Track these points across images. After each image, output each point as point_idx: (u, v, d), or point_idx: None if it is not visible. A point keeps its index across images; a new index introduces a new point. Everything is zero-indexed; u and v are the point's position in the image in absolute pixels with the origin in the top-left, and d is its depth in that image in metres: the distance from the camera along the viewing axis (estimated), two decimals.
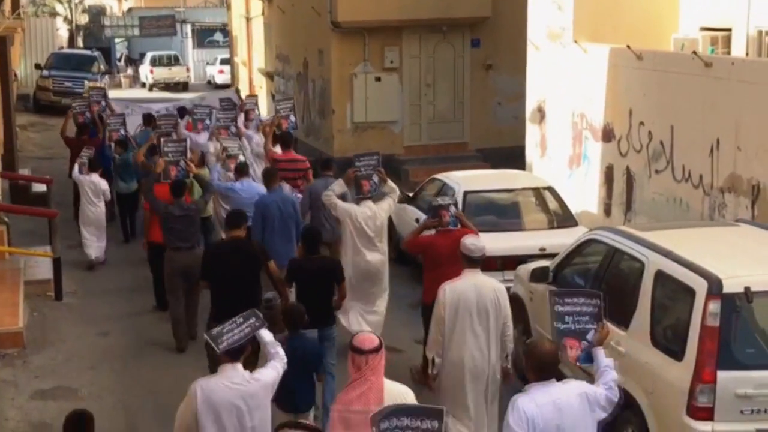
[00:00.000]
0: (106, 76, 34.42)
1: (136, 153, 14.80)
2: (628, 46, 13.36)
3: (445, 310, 7.98)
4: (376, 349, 6.01)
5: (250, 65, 30.87)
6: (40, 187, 17.69)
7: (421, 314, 9.61)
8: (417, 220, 13.20)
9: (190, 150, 12.70)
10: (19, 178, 18.36)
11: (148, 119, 16.90)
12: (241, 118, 15.89)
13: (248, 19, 30.85)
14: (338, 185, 10.64)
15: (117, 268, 14.54)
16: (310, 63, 22.84)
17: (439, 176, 13.84)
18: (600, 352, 6.34)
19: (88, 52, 40.78)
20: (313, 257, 9.08)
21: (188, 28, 52.25)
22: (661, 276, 7.85)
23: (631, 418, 7.67)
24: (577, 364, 6.59)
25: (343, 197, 10.64)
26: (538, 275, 9.70)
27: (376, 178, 10.63)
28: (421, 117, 21.38)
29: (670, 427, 7.33)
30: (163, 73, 45.20)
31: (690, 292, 7.41)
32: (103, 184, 14.58)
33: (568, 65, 15.17)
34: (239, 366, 6.37)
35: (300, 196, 12.15)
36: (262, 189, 11.90)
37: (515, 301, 10.06)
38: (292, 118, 15.44)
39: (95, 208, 14.47)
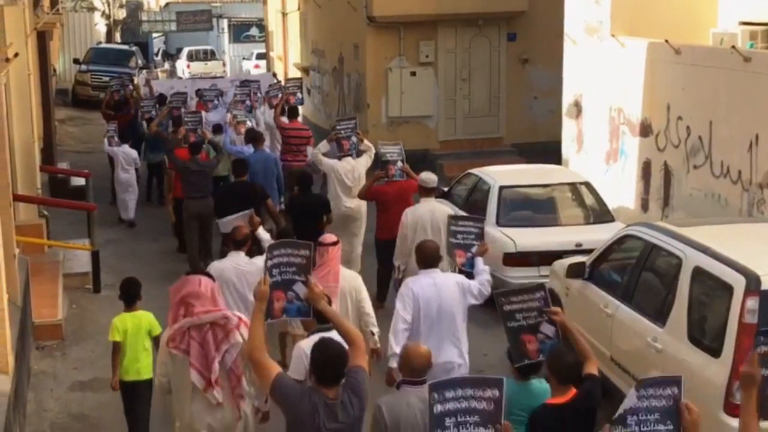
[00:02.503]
0: (144, 71, 34.44)
1: (151, 124, 17.29)
2: (666, 41, 13.23)
3: (407, 228, 10.38)
4: (334, 243, 8.38)
5: (286, 60, 30.88)
6: (78, 181, 17.77)
7: (375, 248, 11.83)
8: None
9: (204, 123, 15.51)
10: (58, 172, 18.61)
11: (162, 98, 19.08)
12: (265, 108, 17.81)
13: (284, 14, 30.91)
14: (323, 145, 12.91)
15: (153, 258, 14.74)
16: (346, 58, 22.84)
17: (475, 171, 13.78)
18: (479, 260, 8.39)
19: (125, 47, 40.99)
20: (306, 195, 11.70)
21: (224, 23, 52.35)
22: (698, 272, 7.79)
23: None
24: (463, 268, 8.44)
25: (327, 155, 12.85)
26: (574, 271, 9.66)
27: (354, 139, 12.75)
28: (456, 111, 21.29)
29: (707, 424, 7.14)
30: (199, 68, 45.38)
31: (728, 289, 7.34)
32: (134, 153, 17.09)
33: (605, 59, 15.07)
34: (242, 253, 8.86)
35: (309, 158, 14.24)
36: (267, 153, 14.48)
37: (551, 296, 10.10)
38: (299, 95, 17.82)
39: (128, 175, 16.81)
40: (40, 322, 11.20)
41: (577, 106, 16.04)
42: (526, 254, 11.67)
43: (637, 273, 8.76)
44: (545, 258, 11.27)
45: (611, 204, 13.30)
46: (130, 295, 8.29)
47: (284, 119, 16.09)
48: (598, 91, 15.31)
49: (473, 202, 13.08)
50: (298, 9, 28.25)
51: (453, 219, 8.92)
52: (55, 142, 20.03)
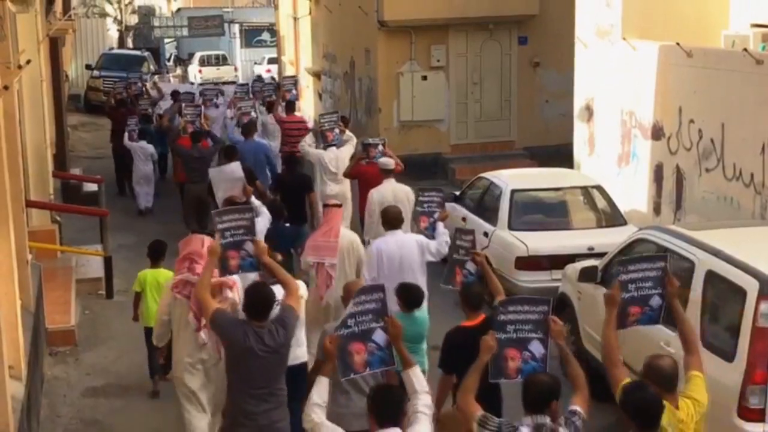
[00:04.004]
0: (156, 76, 34.51)
1: (163, 118, 19.05)
2: (678, 44, 13.20)
3: (374, 205, 11.53)
4: (337, 206, 9.91)
5: (298, 64, 30.94)
6: (91, 187, 17.89)
7: (360, 225, 12.53)
8: (464, 219, 13.26)
9: (205, 117, 17.22)
10: (70, 178, 18.65)
11: (175, 94, 21.12)
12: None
13: (295, 19, 30.96)
14: (310, 137, 14.67)
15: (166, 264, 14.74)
16: (357, 62, 22.89)
17: (486, 175, 13.78)
18: (439, 225, 9.73)
19: (137, 52, 41.09)
20: (292, 174, 13.60)
21: (236, 28, 52.45)
22: (711, 276, 7.76)
23: None
24: (425, 231, 9.69)
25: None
26: (586, 275, 9.64)
27: (337, 131, 14.42)
28: (467, 115, 21.33)
29: (720, 428, 7.21)
30: (211, 73, 45.50)
31: (741, 293, 7.31)
32: (150, 148, 18.40)
33: (616, 62, 15.03)
34: None
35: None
36: (257, 142, 15.87)
37: (563, 300, 10.06)
38: (294, 91, 19.90)
39: (145, 167, 18.19)
40: (53, 328, 11.24)
41: (589, 110, 16.00)
42: (537, 258, 11.64)
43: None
44: (557, 262, 11.26)
45: (623, 207, 13.27)
46: (156, 254, 9.94)
47: (282, 114, 17.58)
48: (609, 94, 15.28)
49: (485, 206, 13.08)
50: (310, 14, 28.34)
51: (420, 191, 10.36)
52: (67, 147, 20.22)
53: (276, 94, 19.28)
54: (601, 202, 12.88)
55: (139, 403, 9.89)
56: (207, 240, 7.87)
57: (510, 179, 13.12)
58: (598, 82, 15.63)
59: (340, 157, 14.16)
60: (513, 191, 12.58)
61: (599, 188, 13.04)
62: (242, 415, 6.68)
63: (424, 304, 8.25)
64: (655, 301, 6.48)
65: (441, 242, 9.42)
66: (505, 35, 21.10)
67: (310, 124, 19.59)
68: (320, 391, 5.69)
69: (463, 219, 13.48)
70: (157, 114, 20.11)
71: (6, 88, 8.22)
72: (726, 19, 15.12)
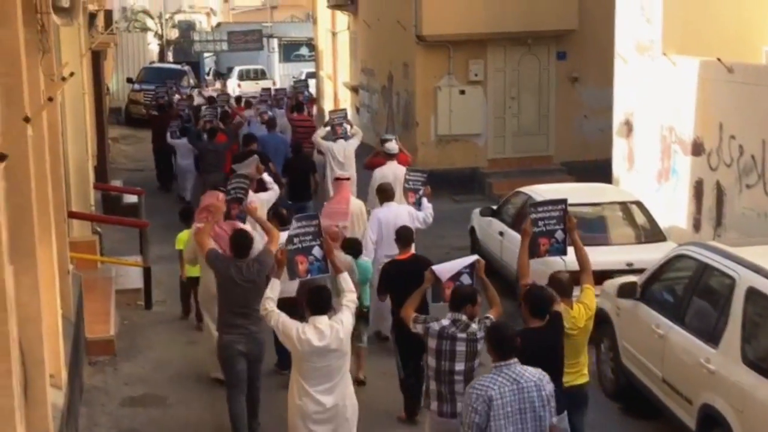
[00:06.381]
0: (196, 90, 34.81)
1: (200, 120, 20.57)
2: (719, 59, 13.08)
3: (376, 182, 13.12)
4: (347, 179, 12.64)
5: (336, 79, 31.09)
6: (131, 198, 18.12)
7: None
8: (501, 233, 13.25)
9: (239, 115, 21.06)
10: (111, 189, 18.78)
11: (211, 100, 24.69)
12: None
13: (334, 34, 31.10)
14: (322, 130, 16.87)
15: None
16: (395, 76, 22.96)
17: (524, 189, 13.74)
18: (424, 200, 11.96)
19: (178, 66, 41.49)
20: (298, 158, 16.30)
21: (275, 43, 52.78)
22: (752, 293, 7.71)
23: None
24: (413, 205, 11.82)
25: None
26: (626, 291, 9.59)
27: (346, 126, 16.56)
28: (505, 130, 21.33)
29: None
30: (250, 87, 45.77)
31: None
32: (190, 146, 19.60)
33: (656, 78, 14.93)
34: (249, 190, 10.96)
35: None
36: (278, 136, 18.58)
37: (601, 316, 9.97)
38: (306, 93, 24.49)
39: (186, 162, 19.58)
40: (93, 337, 11.32)
41: (628, 125, 15.91)
42: (576, 274, 11.52)
43: (689, 293, 8.71)
44: (596, 277, 10.77)
45: (663, 223, 13.17)
46: (185, 217, 12.37)
47: (293, 114, 20.10)
48: (649, 109, 15.18)
49: (522, 221, 12.96)
50: (348, 28, 28.41)
51: (407, 170, 12.63)
52: (108, 160, 20.43)
53: (290, 96, 22.80)
54: (640, 218, 12.77)
55: (176, 413, 9.93)
56: (221, 195, 10.23)
57: (548, 194, 12.71)
58: (638, 97, 15.53)
59: (347, 148, 16.16)
60: None
61: (638, 204, 12.95)
62: (229, 326, 8.71)
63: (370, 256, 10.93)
64: (559, 234, 8.35)
65: (426, 214, 11.84)
66: (543, 50, 21.09)
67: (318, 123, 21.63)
68: (273, 288, 7.66)
69: (501, 234, 13.44)
70: (204, 119, 20.68)
71: (50, 99, 8.24)
72: (766, 33, 14.95)
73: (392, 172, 13.70)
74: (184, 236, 11.96)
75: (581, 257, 8.17)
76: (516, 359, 6.14)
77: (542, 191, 13.29)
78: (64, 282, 9.64)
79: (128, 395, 10.35)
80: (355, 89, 27.44)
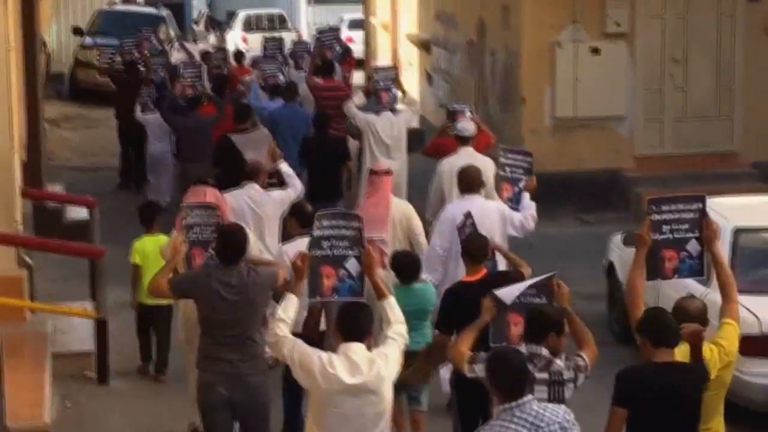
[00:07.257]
0: (177, 44, 28.37)
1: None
2: None
3: (443, 179, 11.47)
4: (387, 173, 10.59)
5: (395, 30, 27.44)
6: (79, 212, 15.90)
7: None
8: None
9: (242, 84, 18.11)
10: (48, 198, 16.20)
11: (206, 55, 21.69)
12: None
13: None
14: (358, 97, 14.23)
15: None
16: (489, 26, 19.24)
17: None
18: (525, 195, 10.28)
19: (151, 9, 34.02)
20: (324, 138, 13.38)
21: None
22: None
23: None
24: (509, 203, 10.36)
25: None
26: None
27: (395, 91, 14.01)
28: (663, 111, 17.32)
29: None
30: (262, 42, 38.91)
31: None
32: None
33: None
34: (255, 185, 10.66)
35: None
36: (297, 108, 15.72)
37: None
38: (337, 47, 18.50)
39: (160, 147, 17.22)
40: (18, 426, 10.19)
41: None
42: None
43: None
44: None
45: None
46: (148, 218, 10.51)
47: (318, 79, 16.41)
48: None
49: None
50: None
51: (503, 150, 10.70)
52: (44, 153, 17.71)
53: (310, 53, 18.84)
54: None
55: None
56: (209, 191, 9.10)
57: (734, 211, 11.83)
58: None
59: (396, 125, 13.62)
60: (737, 231, 11.21)
61: None
62: (208, 360, 7.47)
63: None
64: (693, 246, 7.04)
65: (526, 215, 9.95)
66: None
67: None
68: (287, 307, 6.69)
69: None
70: (183, 83, 17.99)
71: None
72: None
73: (467, 163, 11.58)
74: (146, 246, 10.52)
75: (724, 279, 6.96)
76: (531, 396, 5.66)
77: (724, 208, 11.53)
78: None
79: None
80: (425, 45, 23.85)
